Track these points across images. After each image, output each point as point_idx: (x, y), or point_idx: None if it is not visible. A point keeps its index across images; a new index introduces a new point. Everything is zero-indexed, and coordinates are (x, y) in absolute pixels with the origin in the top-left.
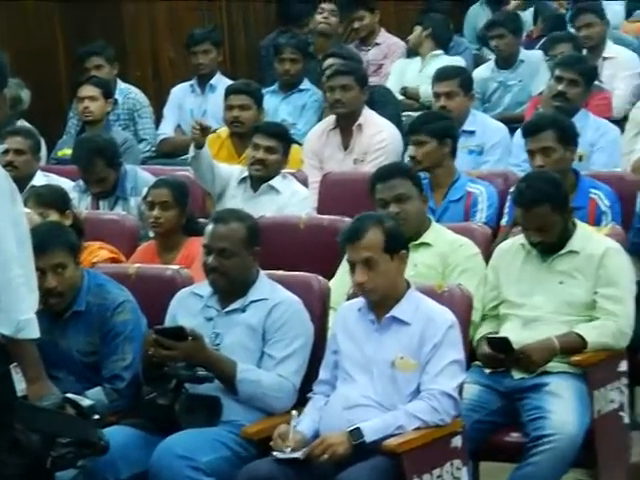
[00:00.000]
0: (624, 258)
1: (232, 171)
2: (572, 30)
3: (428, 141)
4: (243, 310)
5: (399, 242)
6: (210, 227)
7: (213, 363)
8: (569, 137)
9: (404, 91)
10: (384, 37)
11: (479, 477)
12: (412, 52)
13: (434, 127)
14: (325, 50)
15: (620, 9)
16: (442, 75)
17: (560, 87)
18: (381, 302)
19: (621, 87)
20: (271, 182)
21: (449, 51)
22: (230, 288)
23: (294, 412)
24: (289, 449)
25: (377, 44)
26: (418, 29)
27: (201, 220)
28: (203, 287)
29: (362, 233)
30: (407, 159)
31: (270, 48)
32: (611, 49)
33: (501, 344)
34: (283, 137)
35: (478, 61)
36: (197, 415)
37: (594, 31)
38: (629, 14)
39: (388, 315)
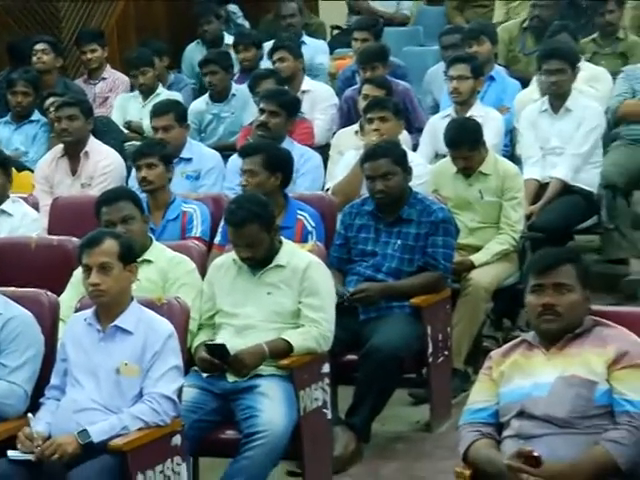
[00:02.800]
0: (325, 271)
1: None
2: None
3: (158, 164)
4: None
5: (132, 255)
6: None
7: None
8: (275, 164)
9: (128, 125)
10: (110, 72)
11: (199, 472)
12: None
13: (165, 153)
14: (50, 84)
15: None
16: (158, 111)
17: (262, 118)
18: (108, 308)
19: (320, 117)
20: (2, 206)
21: (171, 87)
22: None
23: (30, 415)
24: (38, 448)
25: (104, 78)
26: None
27: None
28: None
29: (101, 240)
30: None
31: (3, 82)
32: (307, 83)
33: (219, 349)
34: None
35: (198, 95)
36: None
37: (284, 66)
38: (332, 51)
39: (112, 324)
